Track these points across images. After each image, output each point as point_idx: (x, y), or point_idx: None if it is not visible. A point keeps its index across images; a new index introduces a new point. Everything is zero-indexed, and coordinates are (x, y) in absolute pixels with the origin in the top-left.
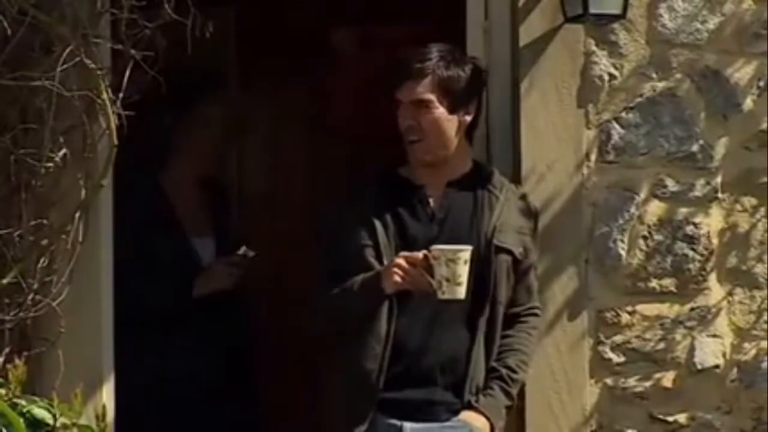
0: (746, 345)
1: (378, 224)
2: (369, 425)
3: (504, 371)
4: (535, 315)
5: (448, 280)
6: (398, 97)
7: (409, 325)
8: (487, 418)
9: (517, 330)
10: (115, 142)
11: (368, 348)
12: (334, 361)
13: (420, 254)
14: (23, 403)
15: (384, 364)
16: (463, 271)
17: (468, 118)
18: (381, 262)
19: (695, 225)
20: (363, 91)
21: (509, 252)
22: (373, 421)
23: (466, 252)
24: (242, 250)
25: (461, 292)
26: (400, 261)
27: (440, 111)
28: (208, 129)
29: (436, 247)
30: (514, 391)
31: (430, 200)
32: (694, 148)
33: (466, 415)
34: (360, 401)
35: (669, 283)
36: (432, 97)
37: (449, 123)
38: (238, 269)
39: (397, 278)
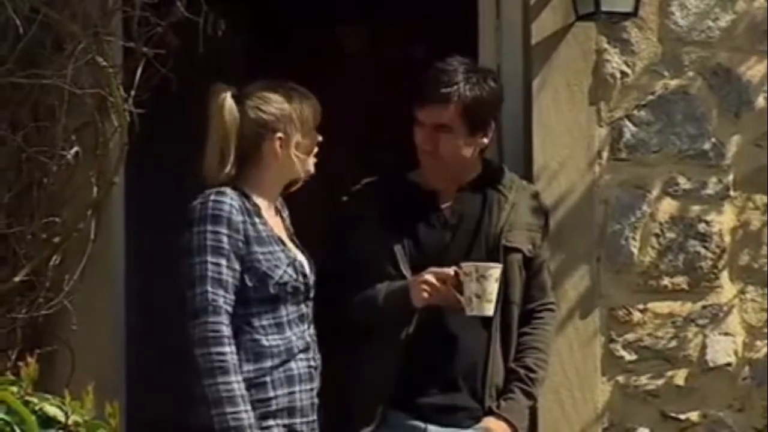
0: (758, 343)
1: (392, 232)
2: (389, 424)
3: (522, 372)
4: (550, 310)
5: (478, 297)
6: (419, 117)
7: (432, 330)
8: (510, 423)
9: (533, 327)
10: (127, 139)
11: (388, 344)
12: (358, 353)
13: (450, 270)
14: (35, 400)
15: (404, 363)
16: (494, 288)
17: (485, 141)
18: (398, 270)
19: (707, 223)
20: (372, 92)
21: (519, 251)
22: (397, 421)
23: (497, 269)
24: None
25: (490, 309)
26: (429, 277)
27: (459, 136)
28: None
29: (468, 264)
30: (535, 390)
31: (443, 206)
32: (706, 145)
33: (488, 422)
34: (378, 396)
35: (681, 281)
36: (453, 123)
37: (467, 148)
38: None
39: (426, 294)
